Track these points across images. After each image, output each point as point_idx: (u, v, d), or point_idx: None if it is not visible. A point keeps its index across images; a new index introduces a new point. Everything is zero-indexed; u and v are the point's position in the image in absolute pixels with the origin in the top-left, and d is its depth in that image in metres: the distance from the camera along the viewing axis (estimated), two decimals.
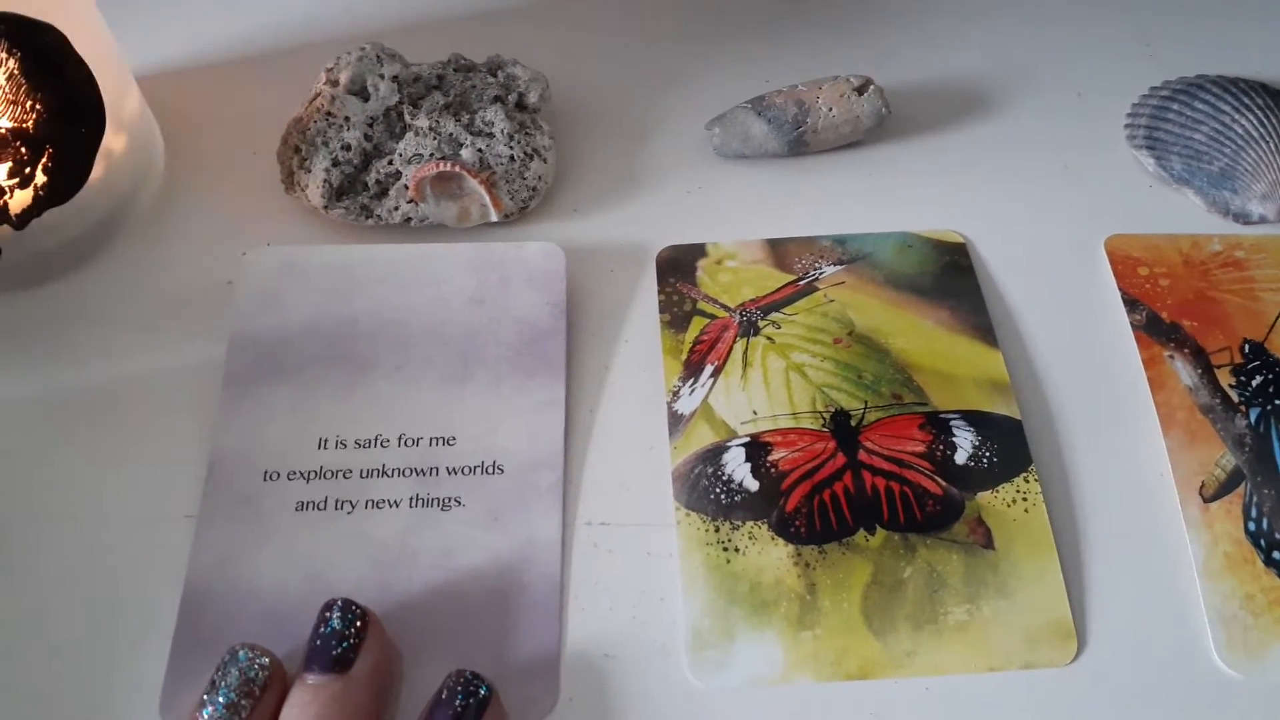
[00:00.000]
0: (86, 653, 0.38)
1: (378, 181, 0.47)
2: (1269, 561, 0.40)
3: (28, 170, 0.41)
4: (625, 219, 0.49)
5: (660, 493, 0.41)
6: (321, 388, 0.43)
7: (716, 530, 0.40)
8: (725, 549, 0.40)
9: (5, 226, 0.41)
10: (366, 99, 0.47)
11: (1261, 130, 0.49)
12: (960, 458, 0.42)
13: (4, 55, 0.39)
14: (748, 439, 0.42)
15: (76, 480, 0.41)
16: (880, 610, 0.39)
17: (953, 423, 0.43)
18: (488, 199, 0.47)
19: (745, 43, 0.56)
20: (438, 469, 0.41)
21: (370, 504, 0.40)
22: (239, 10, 0.57)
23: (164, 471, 0.41)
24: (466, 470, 0.41)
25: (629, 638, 0.39)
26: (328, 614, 0.35)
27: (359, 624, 0.35)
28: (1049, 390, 0.44)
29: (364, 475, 0.41)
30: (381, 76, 0.47)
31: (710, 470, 0.42)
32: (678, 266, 0.47)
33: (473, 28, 0.56)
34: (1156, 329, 0.45)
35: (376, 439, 0.42)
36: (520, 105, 0.49)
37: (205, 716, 0.33)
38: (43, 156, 0.41)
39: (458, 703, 0.34)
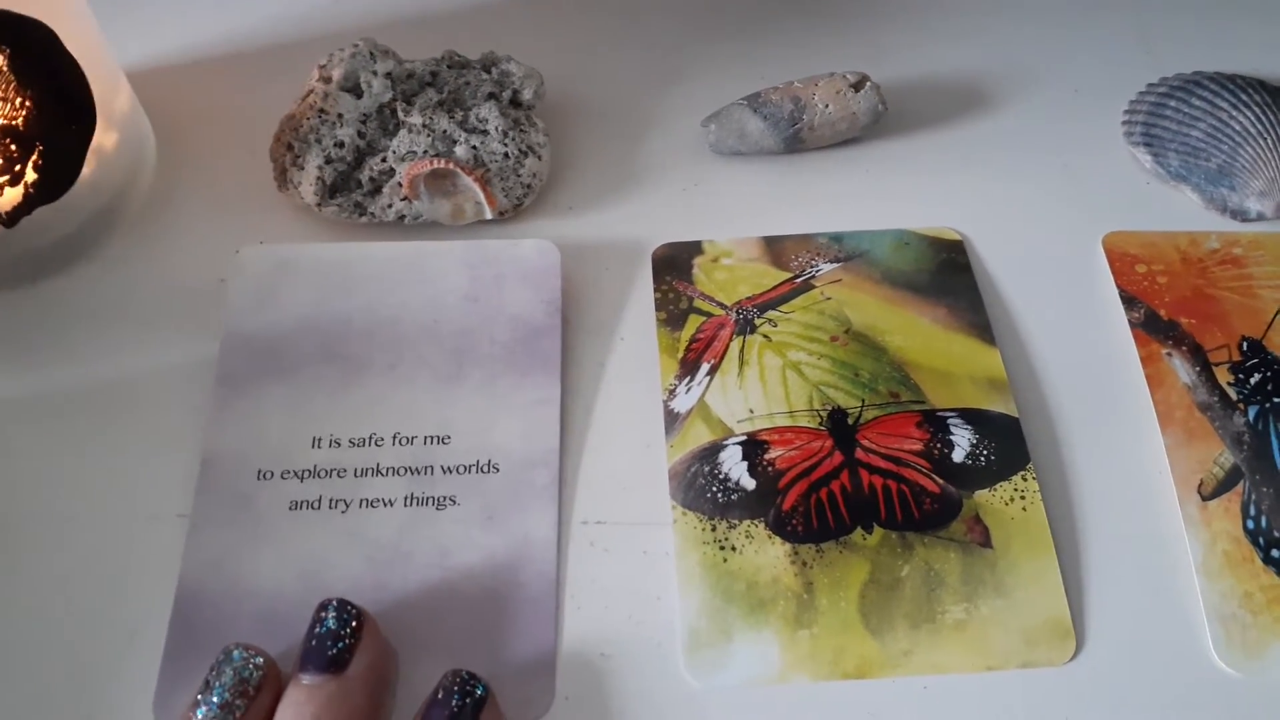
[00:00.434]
0: (80, 652, 0.37)
1: (371, 179, 0.47)
2: (1268, 560, 0.40)
3: (18, 168, 0.41)
4: (621, 216, 0.49)
5: (656, 491, 0.41)
6: (315, 386, 0.43)
7: (713, 529, 0.40)
8: (722, 548, 0.40)
9: None
10: (360, 96, 0.47)
11: (1259, 127, 0.49)
12: (958, 456, 0.42)
13: None
14: (744, 437, 0.42)
15: (68, 479, 0.41)
16: (878, 609, 0.38)
17: (950, 421, 0.43)
18: (482, 196, 0.46)
19: (741, 39, 0.56)
20: (432, 468, 0.41)
21: (365, 503, 0.40)
22: (231, 6, 0.56)
23: (157, 470, 0.41)
24: (461, 469, 0.41)
25: (625, 637, 0.38)
26: (323, 614, 0.35)
27: (354, 624, 0.35)
28: (1047, 388, 0.44)
29: (358, 474, 0.41)
30: (375, 73, 0.47)
31: (707, 469, 0.41)
32: (673, 264, 0.47)
33: (467, 24, 0.56)
34: (1154, 326, 0.45)
35: (371, 438, 0.41)
36: (514, 102, 0.49)
37: (199, 716, 0.32)
38: (33, 154, 0.41)
39: (454, 703, 0.34)
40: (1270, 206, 0.48)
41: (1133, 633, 0.39)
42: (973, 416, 0.43)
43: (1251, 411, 0.43)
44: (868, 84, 0.50)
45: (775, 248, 0.48)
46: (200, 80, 0.53)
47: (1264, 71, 0.53)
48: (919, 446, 0.42)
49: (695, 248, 0.48)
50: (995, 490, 0.41)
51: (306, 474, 0.41)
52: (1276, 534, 0.40)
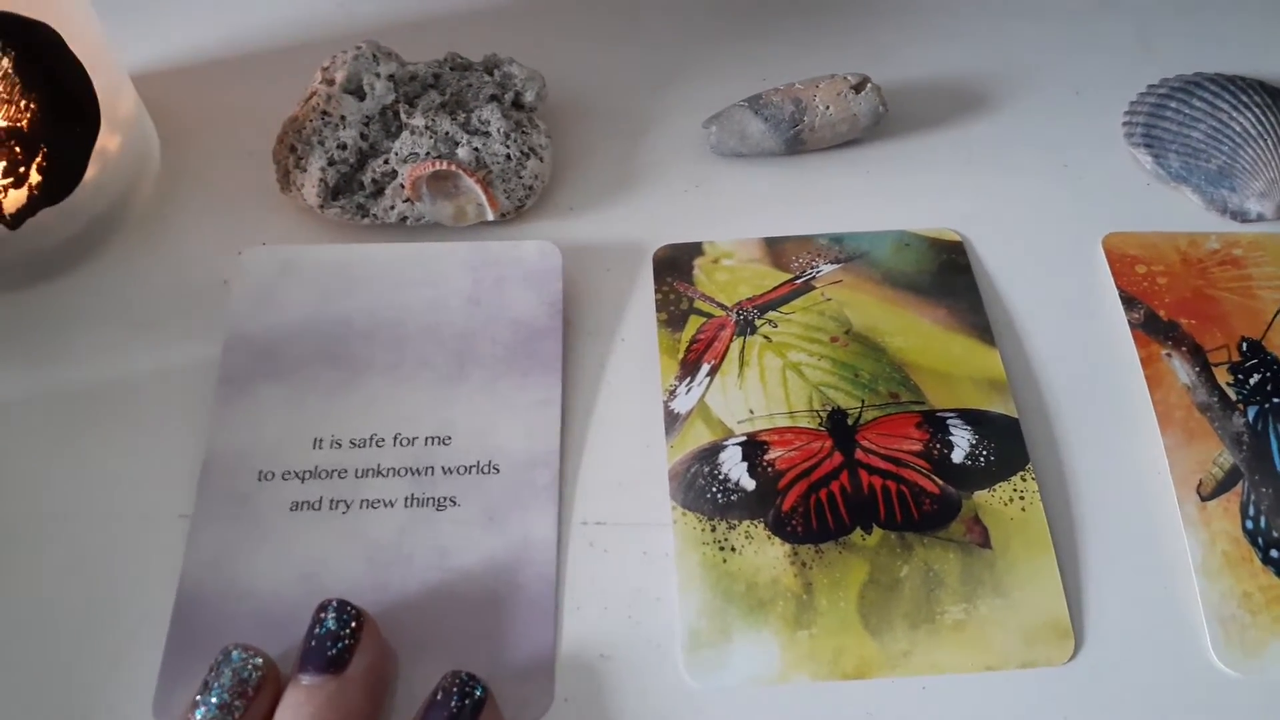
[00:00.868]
0: (80, 652, 0.38)
1: (374, 181, 0.47)
2: (1267, 560, 0.40)
3: (22, 170, 0.41)
4: (622, 218, 0.49)
5: (656, 492, 0.41)
6: (317, 387, 0.43)
7: (713, 529, 0.40)
8: (721, 548, 0.40)
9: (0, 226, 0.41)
10: (362, 98, 0.47)
11: (1260, 128, 0.49)
12: (957, 456, 0.42)
13: None
14: (744, 438, 0.42)
15: (71, 479, 0.41)
16: (877, 609, 0.38)
17: (950, 421, 0.43)
18: (484, 198, 0.47)
19: (742, 41, 0.56)
20: (433, 469, 0.41)
21: (365, 504, 0.40)
22: (234, 9, 0.57)
23: (158, 471, 0.41)
24: (462, 470, 0.41)
25: (625, 638, 0.38)
26: (322, 614, 0.35)
27: (354, 624, 0.35)
28: (1046, 389, 0.44)
29: (359, 475, 0.41)
30: (377, 75, 0.47)
31: (707, 469, 0.41)
32: (674, 265, 0.47)
33: (469, 26, 0.56)
34: (1154, 327, 0.45)
35: (372, 438, 0.42)
36: (517, 104, 0.49)
37: (198, 717, 0.33)
38: (37, 156, 0.41)
39: (453, 704, 0.34)
40: (1270, 208, 0.48)
41: (1132, 633, 0.39)
42: (972, 417, 0.43)
43: (1251, 412, 0.43)
44: (868, 85, 0.50)
45: (776, 249, 0.48)
46: (204, 82, 0.54)
47: (1265, 72, 0.53)
48: (918, 447, 0.42)
49: (696, 249, 0.48)
50: (994, 491, 0.41)
51: (307, 474, 0.41)
52: (1275, 534, 0.40)
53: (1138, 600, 0.39)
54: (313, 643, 0.34)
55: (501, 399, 0.43)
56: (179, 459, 0.41)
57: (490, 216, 0.47)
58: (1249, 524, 0.40)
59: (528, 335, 0.44)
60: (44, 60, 0.40)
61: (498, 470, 0.41)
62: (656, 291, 0.46)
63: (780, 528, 0.40)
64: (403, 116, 0.47)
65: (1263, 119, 0.49)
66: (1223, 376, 0.44)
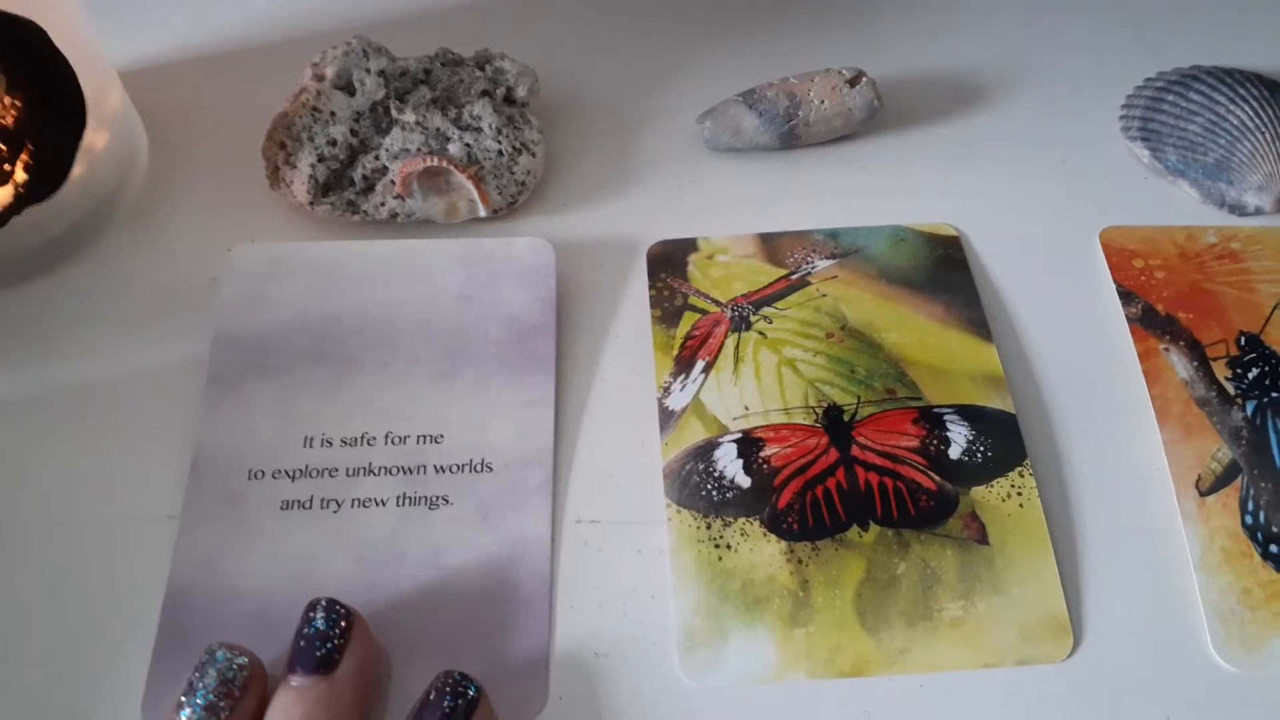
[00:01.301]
0: (68, 653, 0.37)
1: (364, 177, 0.47)
2: (1266, 555, 0.39)
3: (7, 167, 0.40)
4: (615, 214, 0.49)
5: (651, 489, 0.41)
6: (307, 385, 0.42)
7: (708, 527, 0.40)
8: (717, 546, 0.39)
9: None
10: (352, 94, 0.47)
11: (1257, 121, 0.48)
12: (954, 452, 0.41)
13: None
14: (739, 435, 0.42)
15: (58, 479, 0.41)
16: (874, 607, 0.38)
17: (946, 417, 0.42)
18: (475, 194, 0.46)
19: (736, 35, 0.56)
20: (425, 467, 0.41)
21: (357, 503, 0.40)
22: (223, 4, 0.56)
23: (147, 470, 0.41)
24: (455, 468, 0.41)
25: (620, 636, 0.38)
26: (311, 614, 0.34)
27: (343, 624, 0.34)
28: (1043, 384, 0.44)
29: (350, 474, 0.40)
30: (368, 71, 0.47)
31: (702, 467, 0.41)
32: (669, 261, 0.47)
33: (460, 21, 0.56)
34: (1152, 321, 0.45)
35: (363, 437, 0.41)
36: (508, 99, 0.49)
37: (184, 718, 0.32)
38: (22, 153, 0.40)
39: (446, 704, 0.34)
40: (1268, 201, 0.48)
41: (1131, 629, 0.38)
42: (969, 413, 0.42)
43: (1249, 406, 0.43)
44: (863, 79, 0.50)
45: (771, 244, 0.47)
46: (192, 79, 0.53)
47: (1261, 65, 0.52)
48: (915, 443, 0.42)
49: (690, 244, 0.47)
50: (992, 487, 0.41)
51: (298, 473, 0.40)
52: (1275, 529, 0.40)
53: (1136, 597, 0.39)
54: (302, 643, 0.34)
55: (494, 397, 0.42)
56: (168, 458, 0.41)
57: (482, 213, 0.47)
58: (1248, 519, 0.40)
59: (521, 333, 0.44)
60: (30, 57, 0.40)
61: (490, 468, 0.41)
62: (651, 288, 0.46)
63: (776, 525, 0.40)
64: (393, 112, 0.47)
65: (1260, 112, 0.48)
66: (1221, 371, 0.44)
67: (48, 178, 0.42)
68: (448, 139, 0.46)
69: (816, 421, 0.42)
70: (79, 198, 0.45)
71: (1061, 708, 0.37)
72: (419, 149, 0.46)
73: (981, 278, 0.47)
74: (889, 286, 0.46)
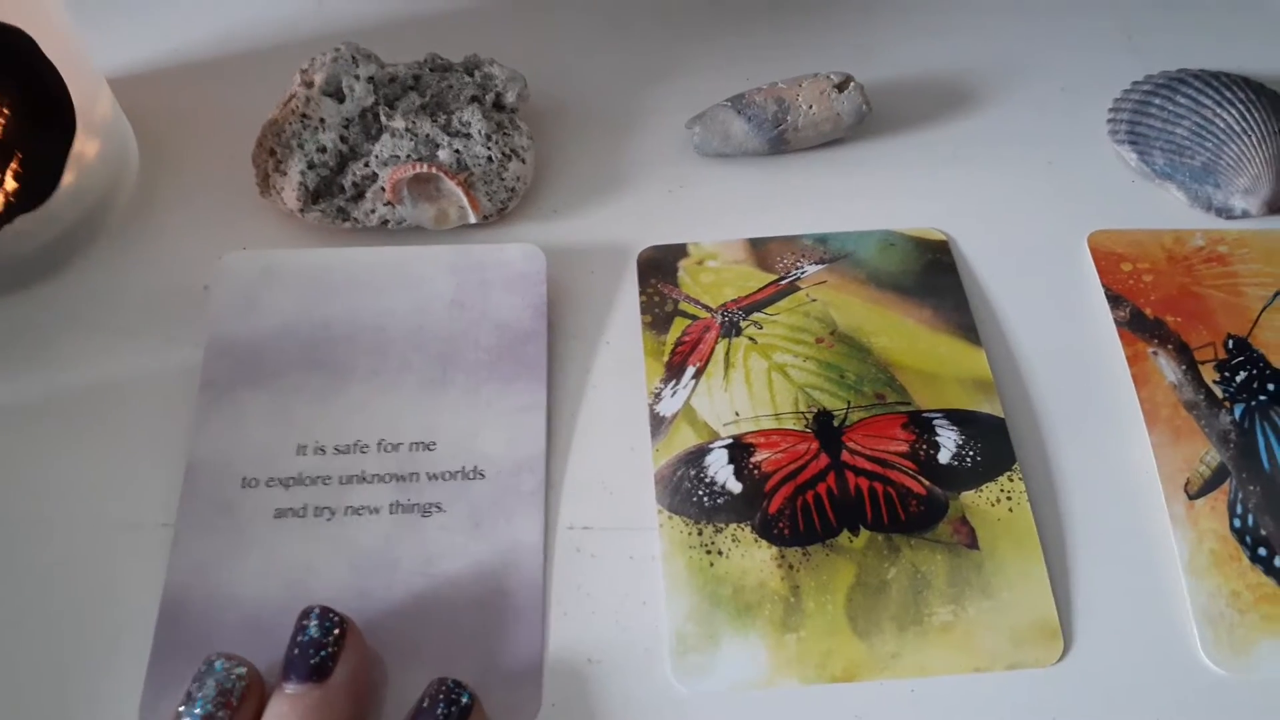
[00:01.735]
0: (64, 662, 0.37)
1: (354, 184, 0.47)
2: (1255, 558, 0.40)
3: None
4: (605, 219, 0.49)
5: (642, 496, 0.41)
6: (300, 393, 0.42)
7: (699, 533, 0.40)
8: (708, 552, 0.39)
9: None
10: (342, 100, 0.47)
11: (1244, 124, 0.49)
12: (943, 457, 0.42)
13: None
14: (730, 441, 0.42)
15: (51, 487, 0.41)
16: (865, 612, 0.38)
17: (936, 422, 0.42)
18: (465, 201, 0.46)
19: (725, 40, 0.56)
20: (418, 474, 0.41)
21: (350, 510, 0.40)
22: (212, 11, 0.56)
23: (140, 478, 0.41)
24: (447, 475, 0.41)
25: (612, 642, 0.38)
26: (305, 622, 0.35)
27: (337, 632, 0.34)
28: (1032, 388, 0.44)
29: (343, 481, 0.40)
30: (357, 77, 0.47)
31: (693, 473, 0.41)
32: (659, 267, 0.47)
33: (449, 27, 0.56)
34: (1140, 325, 0.45)
35: (356, 444, 0.41)
36: (498, 105, 0.49)
37: None
38: (12, 161, 0.40)
39: (439, 711, 0.34)
40: (1255, 204, 0.48)
41: (1120, 633, 0.39)
42: (959, 417, 0.43)
43: (1238, 409, 0.43)
44: (851, 84, 0.50)
45: (760, 250, 0.48)
46: (182, 86, 0.53)
47: (1248, 69, 0.53)
48: (905, 448, 0.42)
49: (680, 250, 0.48)
50: (981, 491, 0.41)
51: (291, 481, 0.40)
52: (1263, 532, 0.40)
53: (1126, 600, 0.39)
54: (296, 651, 0.34)
55: (486, 404, 0.42)
56: (161, 466, 0.41)
57: (472, 219, 0.47)
58: (1236, 522, 0.40)
59: (512, 339, 0.44)
60: (18, 65, 0.40)
61: (483, 475, 0.41)
62: (641, 294, 0.46)
63: (767, 530, 0.40)
64: (383, 119, 0.47)
65: (1247, 115, 0.49)
66: (1209, 374, 0.44)
67: (38, 186, 0.42)
68: (437, 145, 0.47)
69: (807, 427, 0.42)
70: (69, 206, 0.45)
71: (1052, 711, 0.37)
72: (408, 155, 0.46)
73: (970, 282, 0.47)
74: (878, 291, 0.46)
